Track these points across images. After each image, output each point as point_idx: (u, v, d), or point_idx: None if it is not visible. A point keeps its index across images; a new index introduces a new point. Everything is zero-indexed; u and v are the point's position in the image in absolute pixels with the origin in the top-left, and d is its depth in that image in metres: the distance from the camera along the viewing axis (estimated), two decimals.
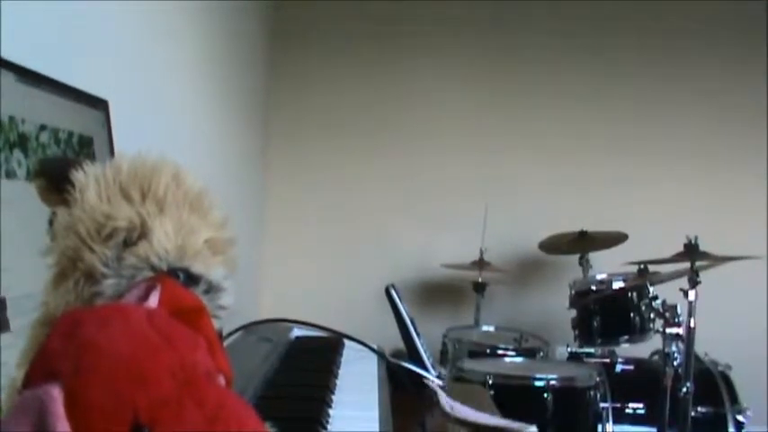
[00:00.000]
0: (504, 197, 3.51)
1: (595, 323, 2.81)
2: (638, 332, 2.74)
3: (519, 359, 2.78)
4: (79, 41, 1.35)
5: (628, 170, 3.56)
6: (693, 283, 2.50)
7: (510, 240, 3.46)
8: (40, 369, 0.47)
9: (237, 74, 2.92)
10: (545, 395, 2.38)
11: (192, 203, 0.65)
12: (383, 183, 3.65)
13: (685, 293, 2.51)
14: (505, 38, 3.62)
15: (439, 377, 1.42)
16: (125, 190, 0.62)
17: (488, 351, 2.85)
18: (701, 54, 3.59)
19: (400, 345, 1.50)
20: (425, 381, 1.37)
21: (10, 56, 0.98)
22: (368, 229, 3.64)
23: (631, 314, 2.76)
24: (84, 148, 1.15)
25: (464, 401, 1.43)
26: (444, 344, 2.95)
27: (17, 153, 0.96)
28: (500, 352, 2.83)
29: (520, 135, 3.59)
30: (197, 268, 0.62)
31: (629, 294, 2.77)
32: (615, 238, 3.01)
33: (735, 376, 2.76)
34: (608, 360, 2.78)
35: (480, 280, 3.23)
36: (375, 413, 1.10)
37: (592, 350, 2.86)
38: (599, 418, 2.52)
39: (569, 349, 2.90)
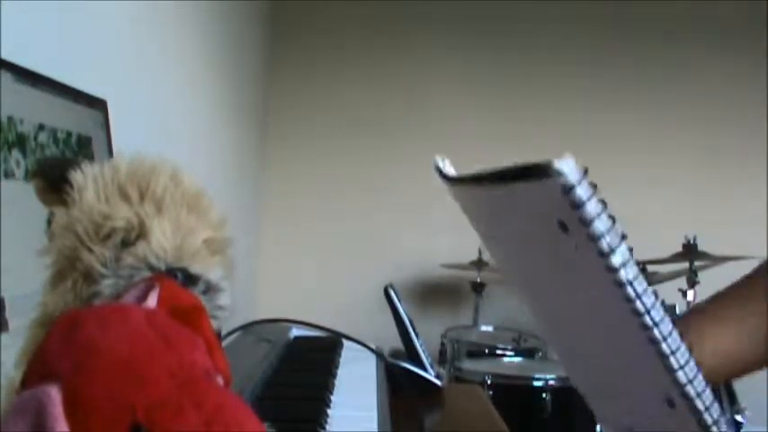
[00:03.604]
0: None
1: None
2: None
3: (518, 359, 2.78)
4: (78, 41, 1.35)
5: (626, 170, 3.56)
6: (692, 284, 2.50)
7: None
8: (38, 369, 0.47)
9: (236, 74, 2.92)
10: (544, 395, 2.39)
11: (191, 203, 0.65)
12: (382, 182, 3.64)
13: (684, 294, 2.51)
14: (506, 38, 3.62)
15: (437, 377, 1.42)
16: (123, 190, 0.62)
17: (487, 351, 2.85)
18: (700, 54, 3.60)
19: (399, 345, 1.50)
20: None
21: (9, 56, 0.98)
22: (366, 229, 3.64)
23: None
24: (82, 149, 1.15)
25: (462, 402, 1.44)
26: (443, 344, 2.95)
27: (15, 153, 0.95)
28: (499, 352, 2.83)
29: (518, 135, 3.59)
30: (195, 268, 0.62)
31: None
32: None
33: None
34: None
35: (479, 280, 3.23)
36: (374, 413, 1.10)
37: None
38: None
39: None
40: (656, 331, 0.56)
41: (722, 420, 0.61)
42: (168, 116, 1.99)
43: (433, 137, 3.62)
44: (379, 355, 1.45)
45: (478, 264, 3.19)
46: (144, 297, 0.55)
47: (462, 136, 3.62)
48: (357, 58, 3.64)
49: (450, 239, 3.52)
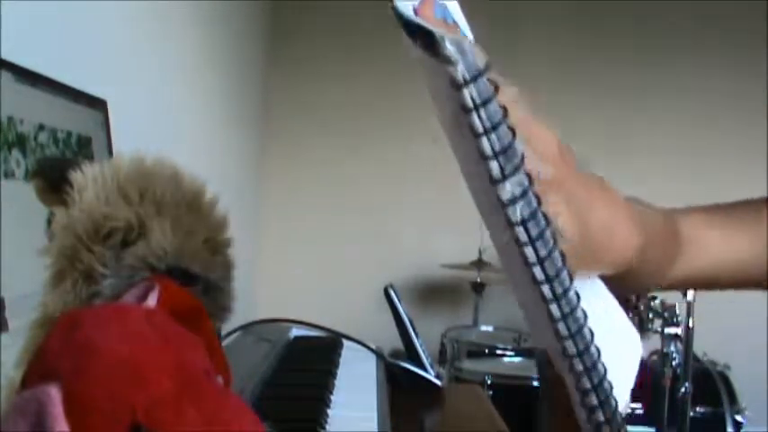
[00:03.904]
0: None
1: None
2: (637, 332, 2.73)
3: (518, 359, 2.78)
4: (78, 41, 1.35)
5: (626, 169, 3.56)
6: None
7: None
8: (38, 369, 0.47)
9: (236, 73, 2.92)
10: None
11: (191, 203, 0.65)
12: (382, 182, 3.64)
13: (684, 293, 2.51)
14: (504, 35, 3.62)
15: (437, 377, 1.42)
16: (123, 190, 0.62)
17: (487, 351, 2.85)
18: (700, 53, 3.60)
19: (399, 345, 1.50)
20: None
21: (9, 56, 0.98)
22: (366, 229, 3.64)
23: (630, 314, 2.75)
24: (82, 149, 1.15)
25: (462, 402, 1.44)
26: (443, 344, 2.95)
27: (15, 153, 0.95)
28: (499, 352, 2.83)
29: None
30: (195, 268, 0.62)
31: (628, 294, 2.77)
32: None
33: (733, 376, 2.76)
34: None
35: (479, 280, 3.23)
36: (374, 413, 1.10)
37: None
38: None
39: None
40: (545, 288, 0.45)
41: (604, 389, 0.50)
42: (168, 116, 1.99)
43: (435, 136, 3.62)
44: (379, 355, 1.45)
45: (478, 264, 3.19)
46: (144, 297, 0.55)
47: None
48: (357, 56, 3.64)
49: (450, 239, 3.53)
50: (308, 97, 3.64)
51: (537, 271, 0.45)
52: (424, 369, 1.41)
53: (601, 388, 0.50)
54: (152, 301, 0.55)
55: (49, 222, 0.65)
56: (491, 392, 2.39)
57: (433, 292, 3.60)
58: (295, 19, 3.62)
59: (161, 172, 0.65)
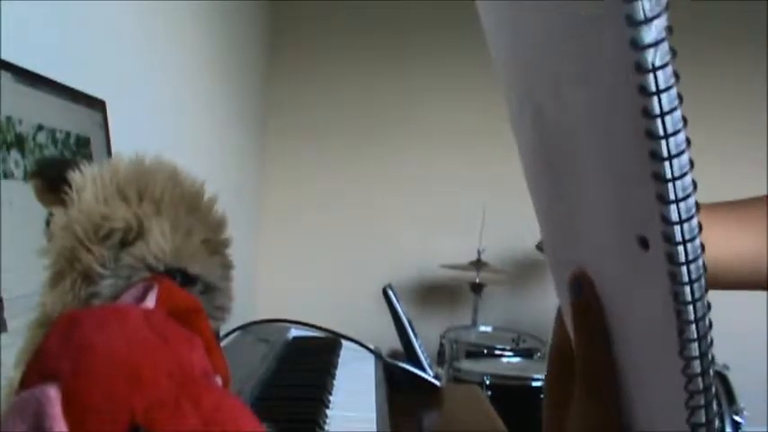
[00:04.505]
0: (503, 197, 3.51)
1: None
2: None
3: (516, 359, 2.78)
4: (77, 42, 1.35)
5: None
6: None
7: (508, 241, 3.47)
8: (37, 370, 0.47)
9: (236, 73, 2.92)
10: (542, 396, 2.38)
11: (190, 204, 0.65)
12: (381, 182, 3.64)
13: None
14: None
15: (436, 378, 1.42)
16: (122, 190, 0.62)
17: (486, 351, 2.86)
18: (700, 53, 3.60)
19: (398, 345, 1.50)
20: None
21: (8, 56, 0.98)
22: (366, 230, 3.64)
23: None
24: (81, 149, 1.15)
25: (461, 402, 1.44)
26: (442, 344, 2.95)
27: (14, 153, 0.96)
28: (497, 352, 2.83)
29: None
30: (194, 269, 0.62)
31: None
32: None
33: (732, 377, 2.76)
34: None
35: (478, 280, 3.23)
36: (372, 414, 1.10)
37: None
38: None
39: None
40: (662, 144, 0.38)
41: (702, 284, 0.42)
42: (167, 116, 1.99)
43: (434, 137, 3.61)
44: (377, 355, 1.45)
45: (477, 264, 3.19)
46: (142, 297, 0.55)
47: (464, 135, 3.62)
48: (357, 56, 3.64)
49: (449, 240, 3.53)
50: (307, 97, 3.64)
51: (657, 124, 0.38)
52: (423, 369, 1.41)
53: (710, 390, 0.41)
54: (150, 301, 0.55)
55: (48, 223, 0.65)
56: (490, 393, 2.39)
57: (432, 293, 3.60)
58: (295, 19, 3.62)
59: (160, 172, 0.64)
